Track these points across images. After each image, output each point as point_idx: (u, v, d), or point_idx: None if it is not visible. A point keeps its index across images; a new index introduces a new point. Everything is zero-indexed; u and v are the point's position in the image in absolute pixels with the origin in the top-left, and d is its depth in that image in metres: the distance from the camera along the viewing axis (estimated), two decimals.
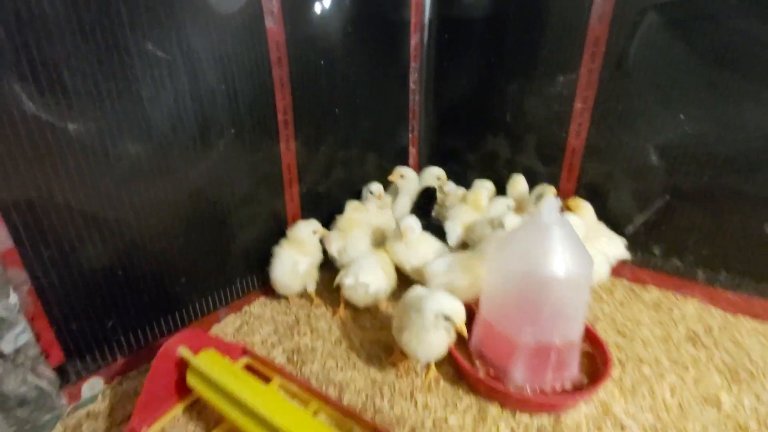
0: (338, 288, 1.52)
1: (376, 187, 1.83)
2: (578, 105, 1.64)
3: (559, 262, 1.04)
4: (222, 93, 1.31)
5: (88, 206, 1.08)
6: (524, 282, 1.08)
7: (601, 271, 1.51)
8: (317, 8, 1.54)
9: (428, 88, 2.15)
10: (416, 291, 1.22)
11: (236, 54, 1.32)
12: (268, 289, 1.62)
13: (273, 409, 0.87)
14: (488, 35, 1.87)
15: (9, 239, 0.95)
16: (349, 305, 1.58)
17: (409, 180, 1.89)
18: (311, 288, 1.61)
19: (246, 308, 1.61)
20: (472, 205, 1.77)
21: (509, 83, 1.86)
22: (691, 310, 1.58)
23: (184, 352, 1.02)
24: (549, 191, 1.69)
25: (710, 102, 1.39)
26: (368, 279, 1.41)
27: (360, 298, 1.46)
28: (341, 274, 1.50)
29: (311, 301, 1.64)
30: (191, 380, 1.00)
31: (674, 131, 1.47)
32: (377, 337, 1.45)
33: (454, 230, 1.69)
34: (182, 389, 1.07)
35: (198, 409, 1.14)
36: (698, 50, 1.38)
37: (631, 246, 1.64)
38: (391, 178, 1.89)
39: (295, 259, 1.52)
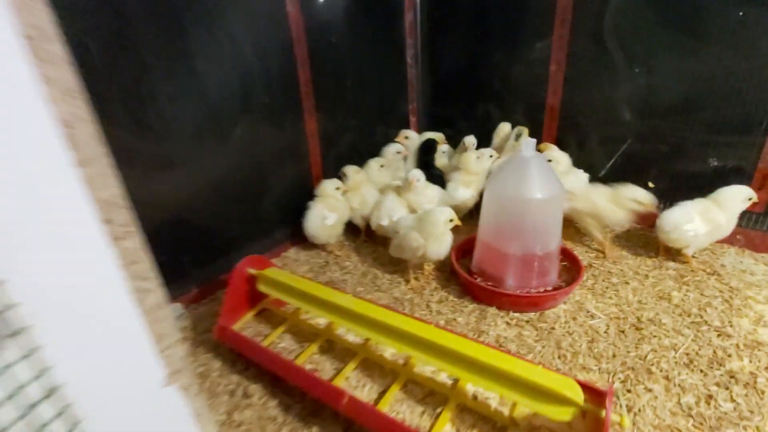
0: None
1: (398, 147, 2.17)
2: (553, 67, 1.92)
3: (536, 186, 1.34)
4: (257, 68, 1.59)
5: (164, 158, 1.37)
6: (511, 203, 1.38)
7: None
8: None
9: (424, 62, 2.41)
10: (412, 217, 1.61)
11: (266, 34, 1.60)
12: (301, 240, 1.92)
13: (333, 295, 1.18)
14: (473, 10, 2.13)
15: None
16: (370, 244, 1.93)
17: (413, 141, 2.20)
18: (333, 241, 1.91)
19: (284, 254, 1.92)
20: (464, 168, 2.05)
21: (495, 53, 2.13)
22: (655, 236, 1.89)
23: (251, 270, 1.33)
24: (525, 131, 2.03)
25: (659, 57, 1.68)
26: (397, 216, 1.71)
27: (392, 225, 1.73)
28: (374, 217, 1.80)
29: (332, 251, 1.94)
30: (261, 287, 1.31)
31: (631, 84, 1.76)
32: (395, 269, 1.76)
33: (457, 190, 1.95)
34: (251, 300, 1.39)
35: (265, 315, 1.47)
36: (651, 14, 1.66)
37: None
38: (397, 140, 2.18)
39: (324, 214, 1.81)
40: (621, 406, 1.08)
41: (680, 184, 1.80)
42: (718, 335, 1.30)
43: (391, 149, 2.18)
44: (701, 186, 1.74)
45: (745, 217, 1.70)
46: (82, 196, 0.56)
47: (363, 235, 2.00)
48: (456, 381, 1.12)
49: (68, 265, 0.55)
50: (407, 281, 1.66)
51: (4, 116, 0.47)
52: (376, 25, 2.13)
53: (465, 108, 2.37)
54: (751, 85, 1.57)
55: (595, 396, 0.84)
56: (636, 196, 1.63)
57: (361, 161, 2.09)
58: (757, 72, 1.55)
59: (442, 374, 1.16)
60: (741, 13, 1.52)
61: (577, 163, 1.96)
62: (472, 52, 2.22)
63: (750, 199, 1.54)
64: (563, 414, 0.80)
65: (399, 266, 1.78)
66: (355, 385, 1.17)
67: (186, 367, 0.80)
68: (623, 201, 1.64)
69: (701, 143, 1.70)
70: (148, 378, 0.70)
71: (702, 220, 1.57)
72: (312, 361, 1.26)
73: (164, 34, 1.28)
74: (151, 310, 0.71)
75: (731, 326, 1.33)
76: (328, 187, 1.84)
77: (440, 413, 1.04)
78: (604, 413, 0.78)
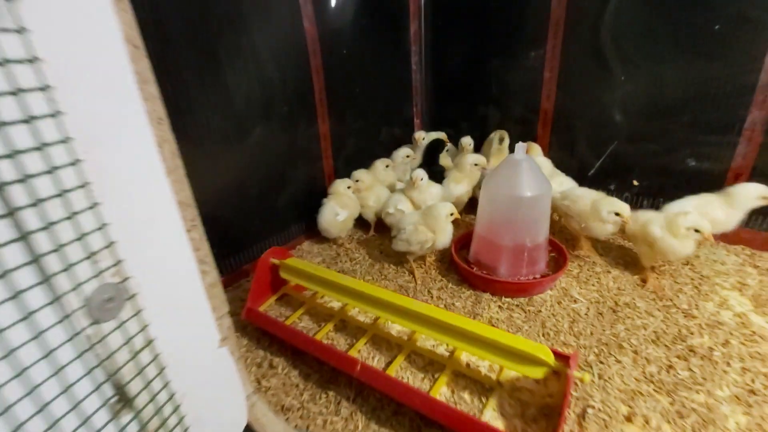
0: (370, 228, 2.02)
1: (407, 151, 2.38)
2: (547, 74, 2.08)
3: (527, 186, 1.52)
4: (277, 79, 1.77)
5: (196, 161, 1.54)
6: (504, 200, 1.56)
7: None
8: (339, 7, 1.97)
9: (427, 67, 2.58)
10: (417, 213, 1.78)
11: (285, 49, 1.78)
12: (314, 234, 2.11)
13: (347, 280, 1.37)
14: (474, 20, 2.29)
15: None
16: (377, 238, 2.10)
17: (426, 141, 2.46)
18: (343, 235, 2.10)
19: (298, 247, 2.12)
20: (459, 170, 2.21)
21: (493, 59, 2.29)
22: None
23: (274, 260, 1.52)
24: (506, 135, 2.20)
25: (643, 66, 1.84)
26: (403, 207, 1.92)
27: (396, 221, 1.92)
28: (384, 208, 2.02)
29: (342, 244, 2.13)
30: (284, 274, 1.50)
31: (619, 90, 1.92)
32: (400, 260, 1.95)
33: (449, 188, 2.11)
34: (274, 287, 1.59)
35: (285, 299, 1.66)
36: (637, 27, 1.81)
37: (593, 186, 2.10)
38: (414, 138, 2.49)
39: (336, 210, 1.99)
40: (594, 374, 1.26)
41: (662, 183, 1.97)
42: (685, 316, 1.48)
43: (400, 153, 2.37)
44: (680, 184, 1.91)
45: None
46: (170, 198, 0.74)
47: (372, 230, 2.19)
48: (452, 352, 1.31)
49: (160, 250, 0.74)
50: (411, 273, 1.84)
51: (128, 139, 0.65)
52: (383, 34, 2.30)
53: (465, 110, 2.54)
54: (726, 91, 1.73)
55: (565, 360, 1.02)
56: (697, 226, 1.46)
57: (368, 161, 2.27)
58: (731, 79, 1.71)
59: (441, 347, 1.35)
60: (717, 27, 1.68)
61: (569, 163, 2.14)
62: (473, 59, 2.39)
63: (764, 197, 1.53)
64: (538, 372, 0.99)
65: (404, 258, 1.96)
66: (365, 356, 1.36)
67: (231, 335, 0.99)
68: (680, 230, 1.49)
69: (681, 144, 1.86)
70: (208, 340, 0.89)
71: (698, 214, 1.59)
72: (328, 337, 1.45)
73: (201, 56, 1.46)
74: (209, 287, 0.90)
75: (697, 309, 1.50)
76: (340, 185, 2.02)
77: (438, 378, 1.23)
78: (569, 371, 0.96)
